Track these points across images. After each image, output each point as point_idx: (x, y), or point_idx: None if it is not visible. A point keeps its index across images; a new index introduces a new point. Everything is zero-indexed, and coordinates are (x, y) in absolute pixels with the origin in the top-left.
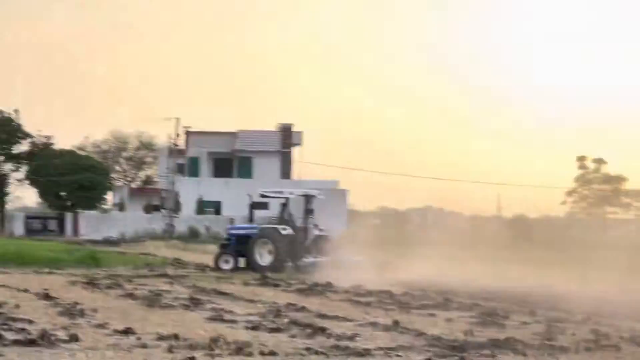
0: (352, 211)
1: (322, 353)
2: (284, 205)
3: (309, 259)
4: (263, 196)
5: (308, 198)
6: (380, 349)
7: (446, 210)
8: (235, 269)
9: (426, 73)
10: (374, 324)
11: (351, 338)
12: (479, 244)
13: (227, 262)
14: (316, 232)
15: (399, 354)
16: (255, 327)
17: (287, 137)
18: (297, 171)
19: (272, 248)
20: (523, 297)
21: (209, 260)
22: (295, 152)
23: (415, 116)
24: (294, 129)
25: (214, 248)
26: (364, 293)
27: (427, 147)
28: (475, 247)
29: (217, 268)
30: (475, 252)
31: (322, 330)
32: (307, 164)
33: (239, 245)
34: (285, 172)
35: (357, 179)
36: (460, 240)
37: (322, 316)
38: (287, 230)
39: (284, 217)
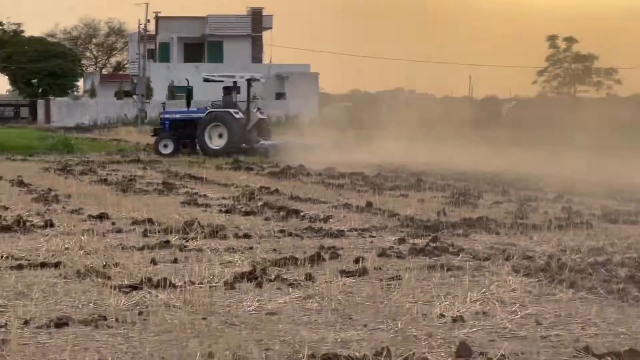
0: (323, 94)
1: (296, 235)
2: (230, 89)
3: (266, 142)
4: (206, 80)
5: (250, 82)
6: (354, 230)
7: (418, 92)
8: (175, 152)
9: None
10: (347, 206)
11: (325, 220)
12: (450, 125)
13: (166, 146)
14: (259, 116)
15: (373, 234)
16: (229, 211)
17: (258, 21)
18: (268, 55)
19: (225, 131)
20: (495, 177)
21: None
22: (266, 36)
23: None
24: (265, 12)
25: None
26: (337, 175)
27: (399, 29)
28: (447, 129)
29: (157, 153)
30: (447, 133)
31: (296, 212)
32: (278, 47)
33: (177, 130)
34: (256, 56)
35: (328, 62)
36: (431, 121)
37: (296, 199)
38: (239, 114)
39: (231, 101)
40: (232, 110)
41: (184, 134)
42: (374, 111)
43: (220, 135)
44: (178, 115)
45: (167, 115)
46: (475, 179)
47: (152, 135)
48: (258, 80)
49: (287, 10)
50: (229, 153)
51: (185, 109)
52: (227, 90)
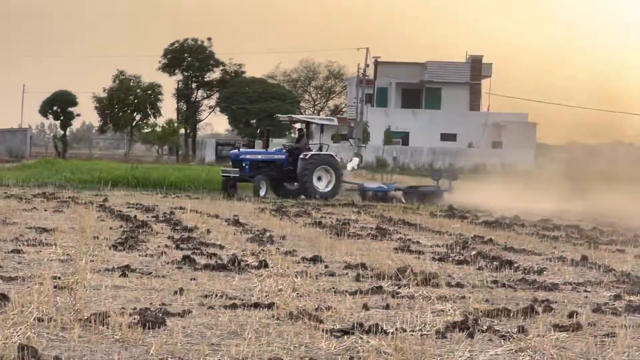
0: (540, 144)
1: (509, 286)
2: (302, 131)
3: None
4: (280, 121)
5: (323, 126)
6: (569, 283)
7: (637, 146)
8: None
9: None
10: (562, 259)
11: (539, 272)
12: None
13: (261, 188)
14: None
15: (588, 289)
16: (441, 259)
17: (477, 68)
18: (485, 103)
19: (332, 175)
20: None
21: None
22: (485, 84)
23: (607, 49)
24: (484, 60)
25: (401, 178)
26: (552, 227)
27: (619, 81)
28: None
29: (255, 194)
30: None
31: (509, 263)
32: (496, 96)
33: (255, 170)
34: (474, 104)
35: (547, 112)
36: None
37: (510, 249)
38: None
39: (305, 144)
40: (333, 154)
41: (265, 174)
42: (591, 163)
43: (319, 178)
44: (260, 157)
45: (248, 156)
46: None
47: (225, 175)
48: (328, 124)
49: (507, 59)
50: (333, 196)
51: (264, 150)
52: (300, 132)
